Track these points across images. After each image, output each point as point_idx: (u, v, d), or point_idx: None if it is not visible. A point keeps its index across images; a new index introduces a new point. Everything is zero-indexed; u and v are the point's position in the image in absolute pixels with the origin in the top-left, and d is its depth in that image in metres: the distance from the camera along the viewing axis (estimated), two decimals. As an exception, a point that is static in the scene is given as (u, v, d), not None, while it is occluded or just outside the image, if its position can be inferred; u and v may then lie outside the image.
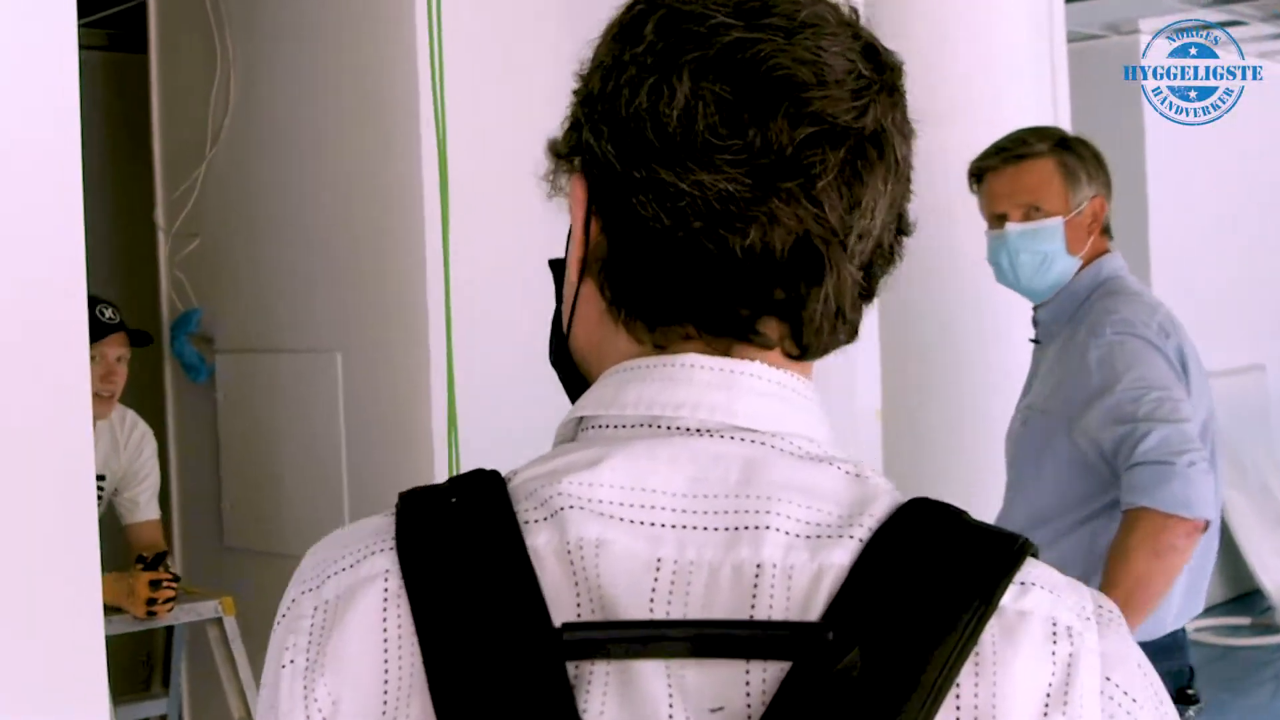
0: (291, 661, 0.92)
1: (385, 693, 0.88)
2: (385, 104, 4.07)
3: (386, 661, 0.88)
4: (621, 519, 0.89)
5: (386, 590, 0.90)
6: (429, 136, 3.91)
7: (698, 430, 0.92)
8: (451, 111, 3.82)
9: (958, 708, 0.84)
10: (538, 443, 1.02)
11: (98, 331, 3.92)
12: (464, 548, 0.89)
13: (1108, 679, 0.88)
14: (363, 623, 0.90)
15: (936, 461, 4.69)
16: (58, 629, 2.31)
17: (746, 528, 0.88)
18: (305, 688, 0.91)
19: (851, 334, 0.96)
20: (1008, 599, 0.87)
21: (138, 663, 4.88)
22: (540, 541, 0.89)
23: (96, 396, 3.91)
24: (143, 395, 5.02)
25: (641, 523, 0.89)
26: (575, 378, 1.02)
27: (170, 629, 4.35)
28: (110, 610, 3.82)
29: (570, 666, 0.85)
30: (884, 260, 0.96)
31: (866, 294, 0.96)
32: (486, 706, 0.84)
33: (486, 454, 3.84)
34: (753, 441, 0.92)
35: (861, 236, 0.92)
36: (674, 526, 0.89)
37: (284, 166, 4.40)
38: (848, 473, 0.93)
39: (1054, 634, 0.87)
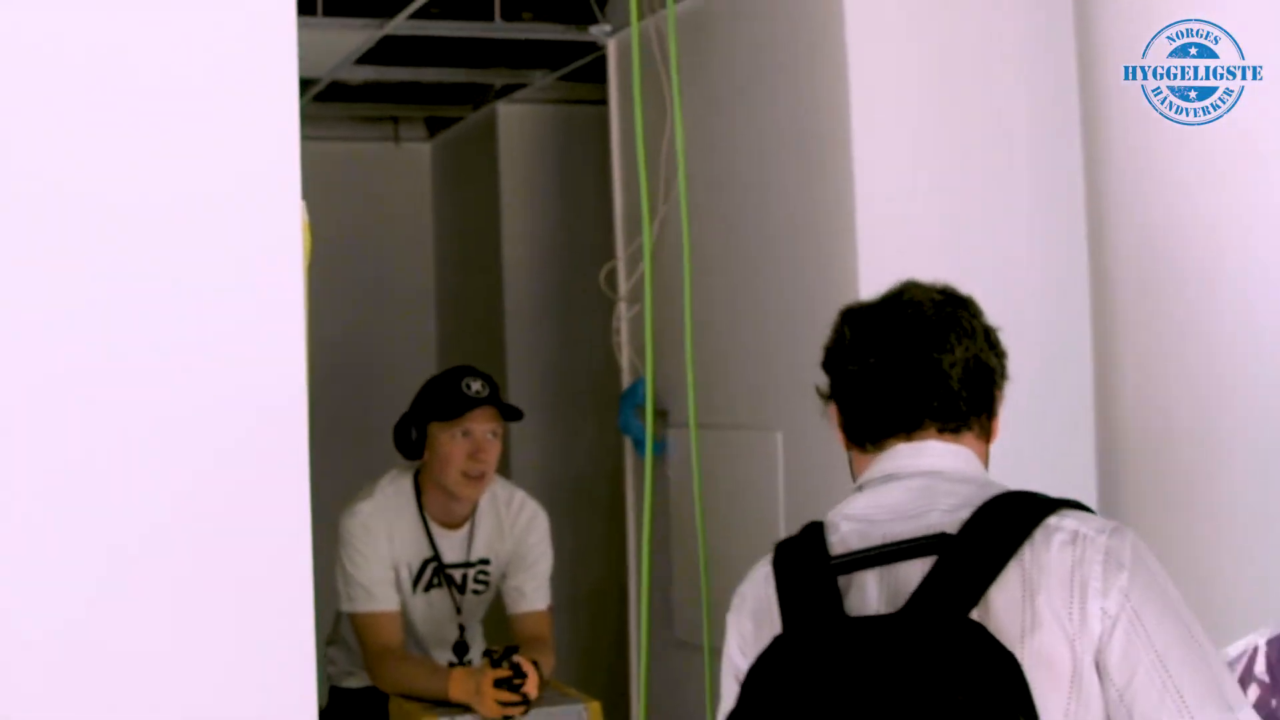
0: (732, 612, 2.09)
1: (759, 621, 2.01)
2: (817, 178, 3.62)
3: (764, 604, 2.01)
4: (858, 519, 2.00)
5: (766, 576, 2.02)
6: (864, 208, 3.44)
7: (907, 475, 2.01)
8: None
9: (1023, 568, 1.85)
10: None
11: (462, 405, 3.75)
12: (798, 547, 2.00)
13: (1107, 554, 1.85)
14: (753, 590, 2.06)
15: None
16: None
17: (921, 514, 1.95)
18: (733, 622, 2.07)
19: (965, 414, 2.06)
20: (1052, 520, 1.88)
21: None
22: (833, 537, 1.99)
23: (465, 476, 3.76)
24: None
25: (869, 520, 1.98)
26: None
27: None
28: (460, 709, 3.54)
29: (841, 579, 1.93)
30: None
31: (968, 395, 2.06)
32: (796, 603, 1.92)
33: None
34: (930, 477, 2.00)
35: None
36: (887, 520, 1.97)
37: (728, 229, 4.04)
38: (980, 485, 1.98)
39: (1076, 535, 1.87)
